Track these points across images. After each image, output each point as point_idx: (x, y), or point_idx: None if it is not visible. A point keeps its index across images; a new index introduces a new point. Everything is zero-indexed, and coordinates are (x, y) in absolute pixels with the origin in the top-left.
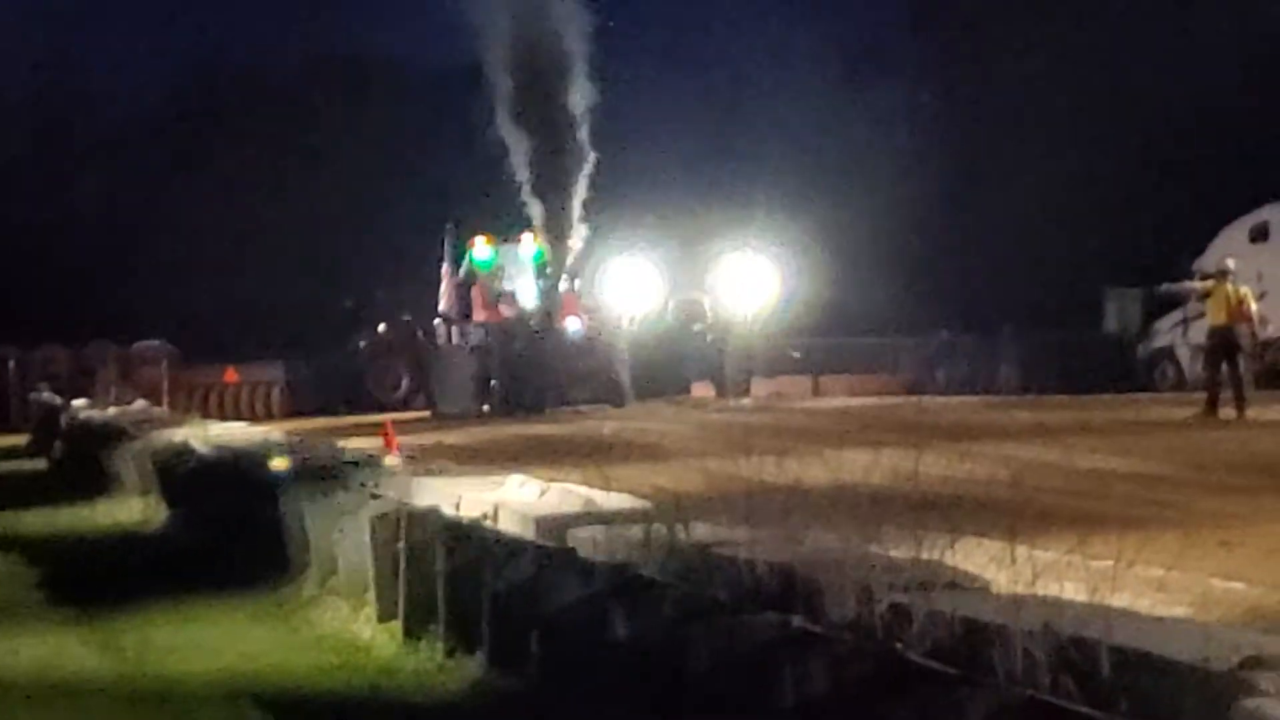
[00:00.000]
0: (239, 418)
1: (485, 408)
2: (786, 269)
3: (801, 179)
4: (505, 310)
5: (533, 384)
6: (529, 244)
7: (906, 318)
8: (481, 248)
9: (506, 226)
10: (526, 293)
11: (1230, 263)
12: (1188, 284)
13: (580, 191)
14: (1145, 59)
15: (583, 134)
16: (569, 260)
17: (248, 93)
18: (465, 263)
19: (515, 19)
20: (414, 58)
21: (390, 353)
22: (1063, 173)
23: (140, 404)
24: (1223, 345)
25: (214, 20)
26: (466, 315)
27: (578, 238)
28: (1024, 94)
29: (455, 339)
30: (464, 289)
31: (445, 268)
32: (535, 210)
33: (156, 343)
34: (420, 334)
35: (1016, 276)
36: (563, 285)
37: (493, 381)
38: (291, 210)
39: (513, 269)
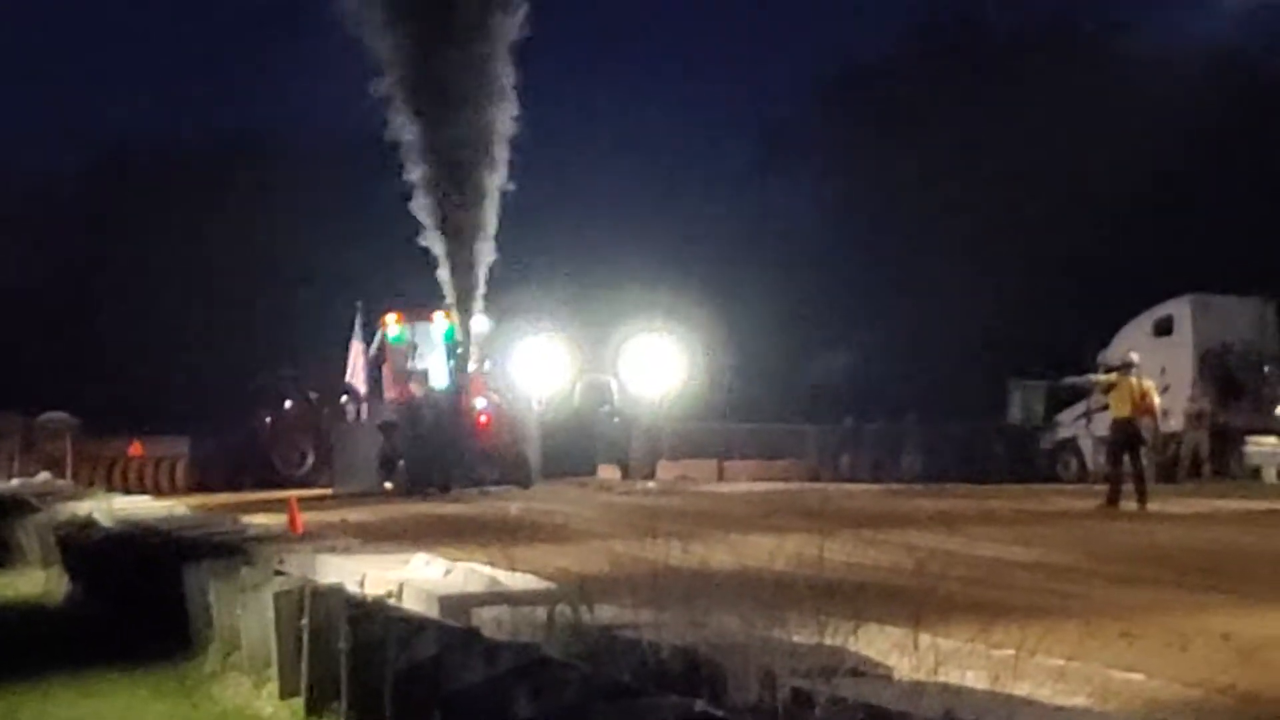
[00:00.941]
0: (143, 491)
1: (388, 485)
2: (694, 353)
3: (711, 263)
4: (415, 388)
5: (440, 463)
6: (440, 322)
7: (812, 404)
8: (393, 325)
9: (417, 304)
10: (438, 371)
11: (1134, 356)
12: (1091, 377)
13: (491, 271)
14: (1054, 152)
15: (492, 214)
16: (479, 340)
17: (158, 169)
18: (376, 339)
19: (428, 99)
20: (324, 134)
21: (294, 429)
22: (969, 262)
23: (44, 476)
24: (1125, 438)
25: (125, 97)
26: (376, 392)
27: (488, 317)
28: (932, 183)
29: (363, 415)
30: (374, 366)
31: (355, 344)
32: (446, 289)
33: (61, 415)
34: (325, 410)
35: (922, 365)
36: (473, 365)
37: (400, 460)
38: (199, 285)
39: (424, 347)
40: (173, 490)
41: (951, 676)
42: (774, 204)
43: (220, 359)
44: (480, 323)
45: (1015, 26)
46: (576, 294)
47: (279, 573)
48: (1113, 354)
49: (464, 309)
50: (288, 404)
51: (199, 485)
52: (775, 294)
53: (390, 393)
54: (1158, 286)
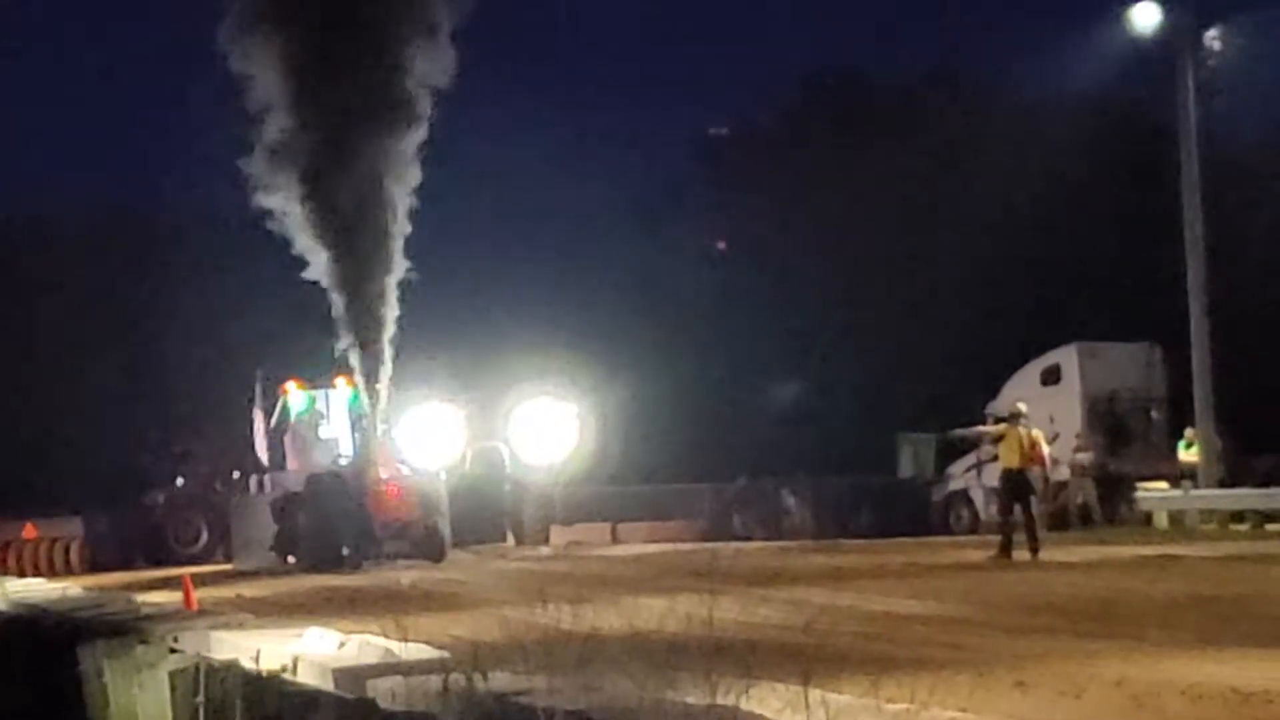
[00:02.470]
0: (38, 573)
1: (291, 560)
2: (585, 416)
3: (599, 325)
4: (319, 459)
5: (350, 538)
6: (343, 389)
7: (706, 464)
8: (295, 394)
9: (312, 373)
10: (343, 440)
11: (1022, 406)
12: (979, 428)
13: (388, 336)
14: (938, 201)
15: (386, 278)
16: (380, 407)
17: (42, 242)
18: (278, 408)
19: (311, 168)
20: (215, 204)
21: (188, 506)
22: (853, 316)
23: None
24: (1016, 487)
25: (8, 167)
26: (278, 463)
27: (388, 384)
28: (813, 238)
29: (266, 488)
30: (276, 436)
31: (256, 414)
32: (346, 356)
33: None
34: (218, 486)
35: (813, 422)
36: (377, 434)
37: (302, 536)
38: (89, 360)
39: (327, 416)
40: (68, 571)
41: None
42: (660, 265)
43: (113, 438)
44: (384, 390)
45: (896, 80)
46: (463, 360)
47: (174, 650)
48: (1001, 404)
49: (367, 375)
50: (179, 481)
51: (94, 565)
52: (665, 354)
53: (294, 464)
54: (1045, 337)
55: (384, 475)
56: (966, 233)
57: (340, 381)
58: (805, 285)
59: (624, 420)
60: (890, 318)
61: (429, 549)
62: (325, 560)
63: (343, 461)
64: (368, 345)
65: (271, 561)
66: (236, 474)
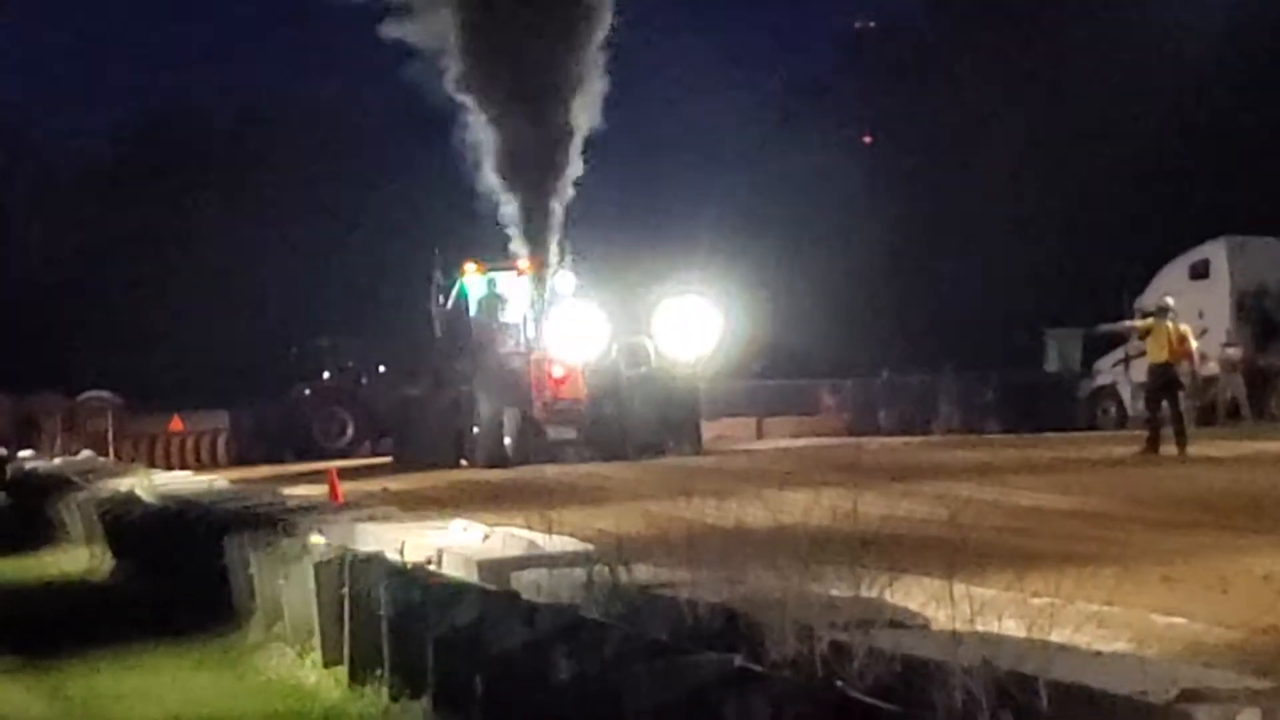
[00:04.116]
0: (184, 467)
1: (464, 463)
2: (730, 312)
3: (742, 222)
4: (499, 347)
5: (514, 434)
6: (523, 275)
7: (850, 359)
8: (474, 277)
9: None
10: (524, 328)
11: (1169, 300)
12: (1125, 323)
13: (556, 227)
14: (1085, 99)
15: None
16: (549, 296)
17: (193, 137)
18: (453, 293)
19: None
20: (357, 98)
21: (334, 400)
22: (1004, 213)
23: (86, 454)
24: (1163, 382)
25: (160, 65)
26: (455, 352)
27: (557, 270)
28: (962, 137)
29: (439, 380)
30: (456, 323)
31: (434, 297)
32: (519, 240)
33: (102, 393)
34: (363, 380)
35: (959, 317)
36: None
37: (505, 429)
38: (237, 256)
39: (506, 302)
40: (214, 465)
41: (989, 625)
42: (805, 161)
43: (260, 332)
44: (566, 279)
45: None
46: (608, 256)
47: (319, 543)
48: (1149, 299)
49: (541, 260)
50: (325, 375)
51: (240, 459)
52: (810, 248)
53: (499, 352)
54: (1193, 230)
55: (558, 366)
56: (1116, 128)
57: (523, 263)
58: (953, 177)
59: (769, 315)
60: (1040, 210)
61: (605, 445)
62: (494, 462)
63: (519, 353)
64: (538, 236)
65: (444, 459)
66: (382, 368)
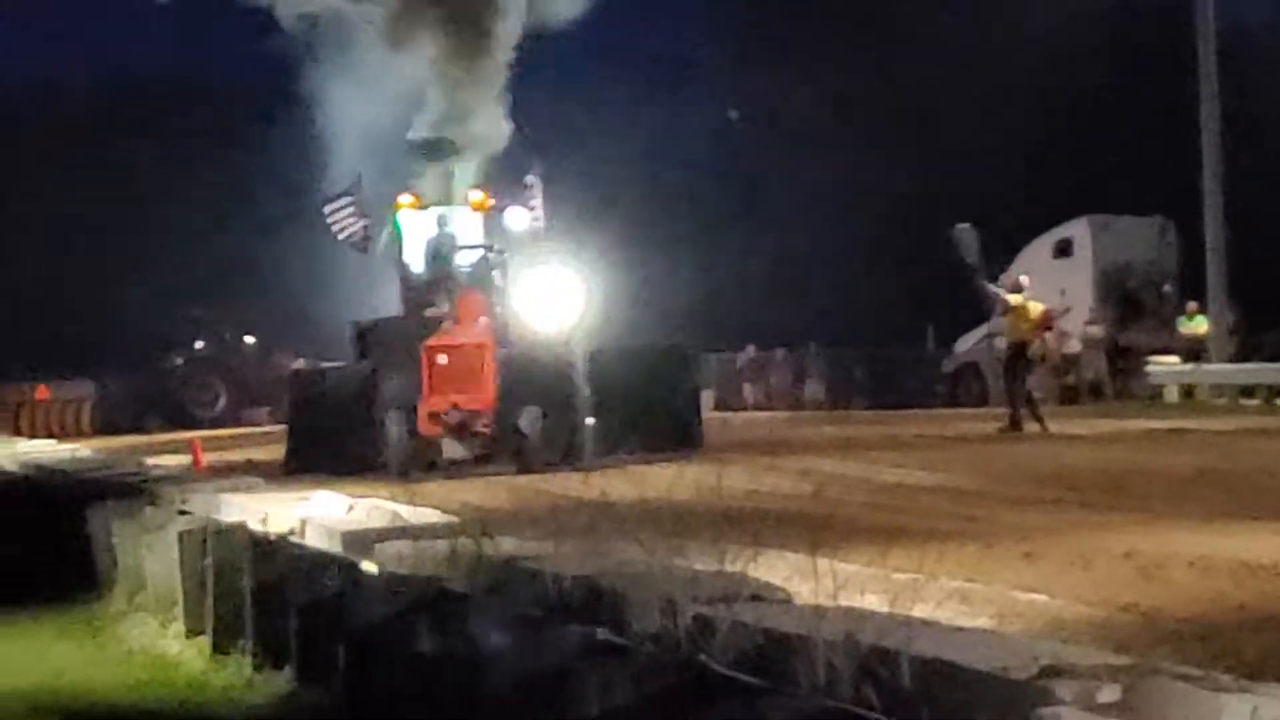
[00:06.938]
0: (50, 435)
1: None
2: (590, 282)
3: (597, 191)
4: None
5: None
6: (475, 208)
7: (715, 335)
8: (409, 213)
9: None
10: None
11: (1024, 279)
12: (998, 290)
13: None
14: (949, 72)
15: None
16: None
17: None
18: (383, 236)
19: None
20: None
21: (207, 369)
22: (866, 185)
23: None
24: (1021, 359)
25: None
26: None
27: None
28: (825, 105)
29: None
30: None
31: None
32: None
33: None
34: (240, 349)
35: (823, 292)
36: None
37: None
38: (111, 221)
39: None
40: (79, 433)
41: (852, 600)
42: (669, 132)
43: (131, 300)
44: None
45: None
46: None
47: (182, 513)
48: (1011, 277)
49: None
50: (199, 344)
51: (106, 428)
52: (670, 222)
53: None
54: (1057, 209)
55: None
56: (982, 101)
57: (476, 195)
58: (815, 149)
59: (628, 289)
60: (901, 183)
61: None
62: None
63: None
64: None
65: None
66: (249, 338)
